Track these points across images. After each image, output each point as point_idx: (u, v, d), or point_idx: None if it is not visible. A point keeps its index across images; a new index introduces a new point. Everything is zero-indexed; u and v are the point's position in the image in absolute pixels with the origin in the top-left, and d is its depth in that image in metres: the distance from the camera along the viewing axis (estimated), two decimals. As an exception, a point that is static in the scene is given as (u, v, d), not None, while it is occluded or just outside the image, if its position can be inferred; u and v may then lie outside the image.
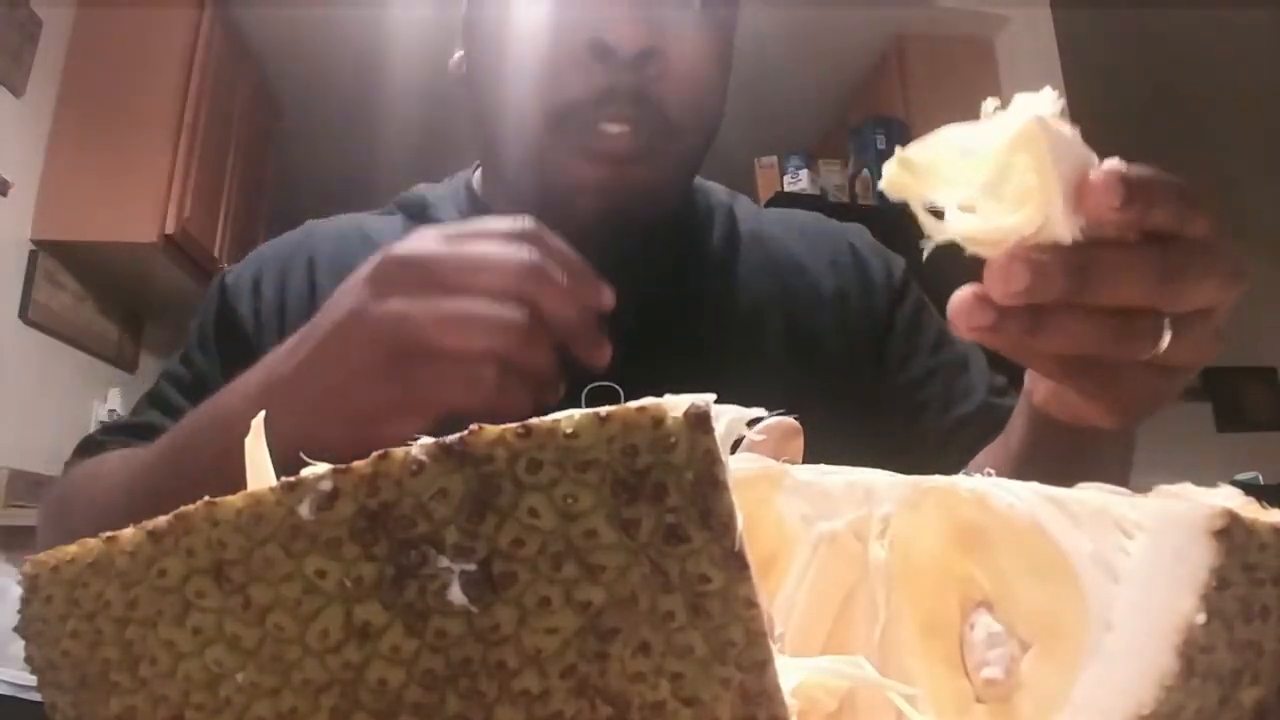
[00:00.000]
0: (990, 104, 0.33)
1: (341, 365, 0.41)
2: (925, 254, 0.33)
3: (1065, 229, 0.31)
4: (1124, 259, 0.33)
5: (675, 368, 0.61)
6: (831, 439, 0.48)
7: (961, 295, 0.33)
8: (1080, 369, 0.36)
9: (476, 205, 0.67)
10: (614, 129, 0.55)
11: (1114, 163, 0.32)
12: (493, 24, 0.59)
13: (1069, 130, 0.32)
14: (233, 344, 0.63)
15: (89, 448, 0.63)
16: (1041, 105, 0.32)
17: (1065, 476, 0.43)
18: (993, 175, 0.31)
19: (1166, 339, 0.34)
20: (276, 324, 0.63)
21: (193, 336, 0.67)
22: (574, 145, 0.56)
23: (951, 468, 0.60)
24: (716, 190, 0.73)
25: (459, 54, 0.65)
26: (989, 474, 0.26)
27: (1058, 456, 0.47)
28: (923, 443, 0.64)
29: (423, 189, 0.71)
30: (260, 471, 0.23)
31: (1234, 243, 0.36)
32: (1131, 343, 0.34)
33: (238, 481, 0.38)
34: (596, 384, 0.58)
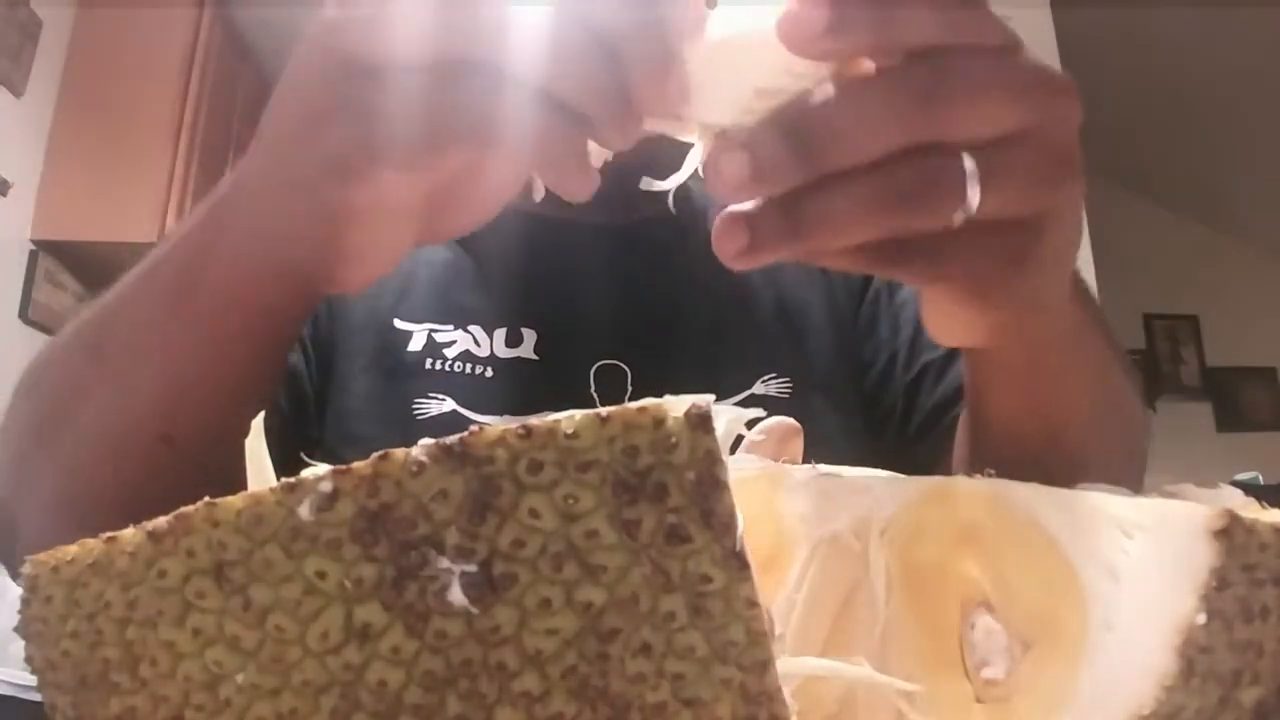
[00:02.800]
0: None
1: (290, 119, 0.31)
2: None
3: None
4: (860, 91, 0.26)
5: (675, 347, 0.61)
6: (825, 409, 0.48)
7: (714, 227, 0.28)
8: (888, 257, 0.29)
9: None
10: None
11: None
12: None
13: None
14: None
15: None
16: None
17: (1016, 404, 0.40)
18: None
19: (974, 190, 0.26)
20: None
21: None
22: None
23: (927, 421, 0.59)
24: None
25: None
26: (989, 474, 0.26)
27: (990, 384, 0.41)
28: (895, 398, 0.62)
29: None
30: (260, 471, 0.23)
31: (1031, 56, 0.28)
32: (925, 200, 0.27)
33: (190, 308, 0.35)
34: (604, 362, 0.58)
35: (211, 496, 0.19)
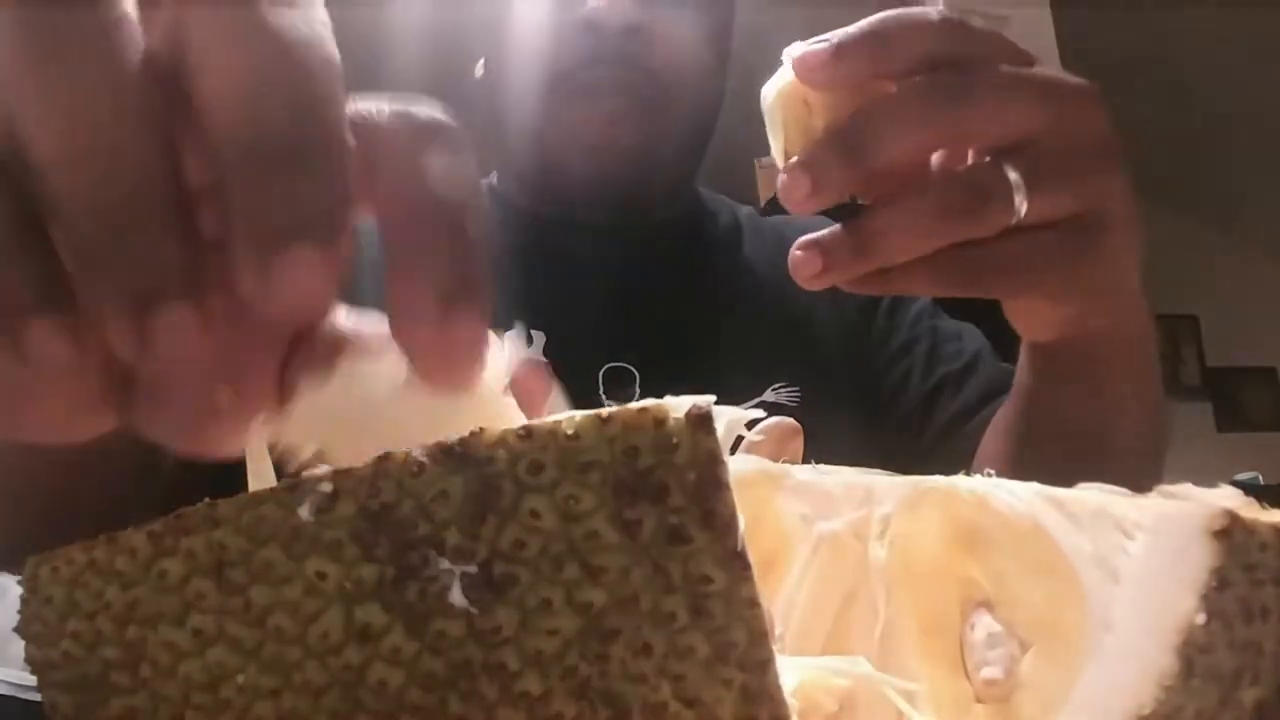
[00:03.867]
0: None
1: None
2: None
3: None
4: (891, 98, 0.29)
5: (684, 353, 0.61)
6: (835, 417, 0.48)
7: (791, 255, 0.31)
8: (954, 268, 0.31)
9: (493, 198, 0.69)
10: (602, 86, 0.58)
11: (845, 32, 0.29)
12: (500, 20, 0.62)
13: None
14: None
15: None
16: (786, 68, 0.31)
17: (1080, 400, 0.41)
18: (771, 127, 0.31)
19: (1020, 196, 0.29)
20: None
21: None
22: (567, 111, 0.59)
23: (945, 430, 0.60)
24: (722, 198, 0.75)
25: (482, 60, 0.67)
26: (989, 474, 0.26)
27: (1055, 380, 0.42)
28: (912, 409, 0.64)
29: None
30: (261, 473, 0.23)
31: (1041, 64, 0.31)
32: (976, 208, 0.29)
33: None
34: (612, 365, 0.58)
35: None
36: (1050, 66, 0.32)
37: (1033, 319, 0.37)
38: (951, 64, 0.29)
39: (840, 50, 0.29)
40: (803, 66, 0.29)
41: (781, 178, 0.30)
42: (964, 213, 0.29)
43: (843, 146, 0.29)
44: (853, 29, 0.29)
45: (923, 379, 0.63)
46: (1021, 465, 0.50)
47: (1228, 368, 4.12)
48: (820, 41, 0.29)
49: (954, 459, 0.58)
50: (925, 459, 0.60)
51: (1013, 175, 0.29)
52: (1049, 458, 0.45)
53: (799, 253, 0.30)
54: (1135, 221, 0.34)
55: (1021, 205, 0.29)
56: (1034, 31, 2.83)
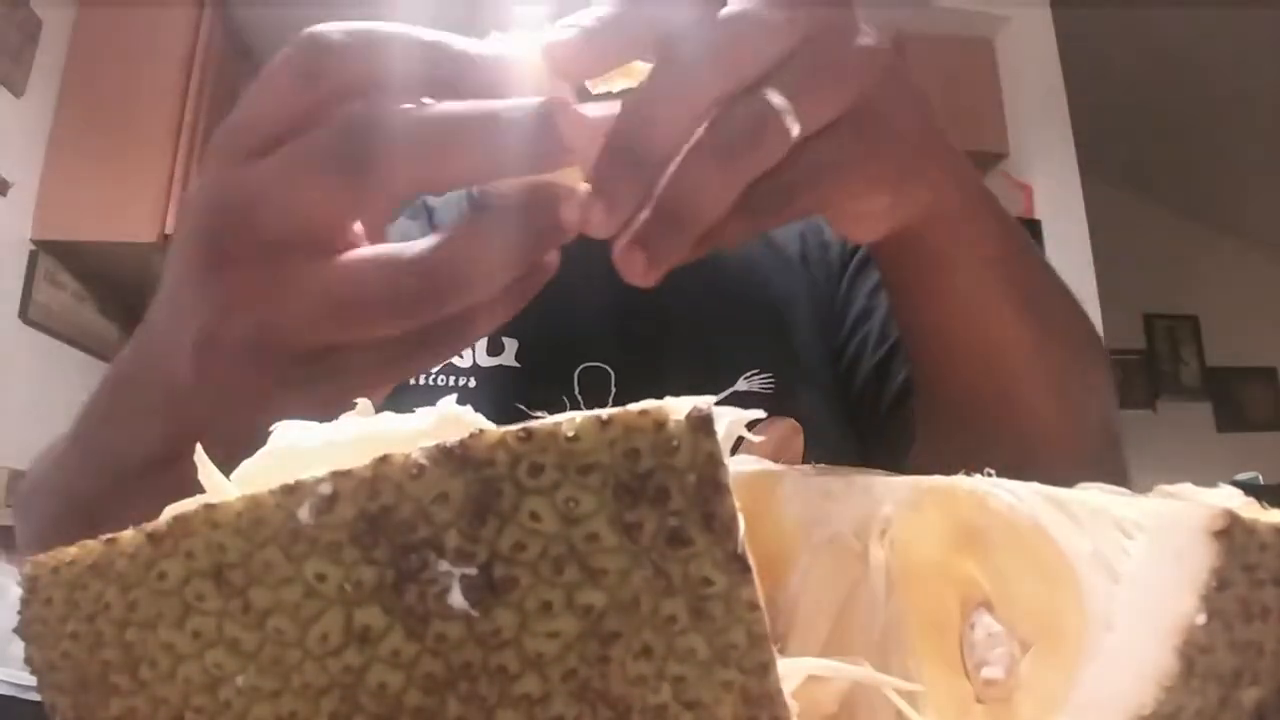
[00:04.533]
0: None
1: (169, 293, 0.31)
2: None
3: None
4: (652, 82, 0.29)
5: (657, 347, 0.61)
6: (811, 402, 0.48)
7: (615, 260, 0.30)
8: (763, 202, 0.31)
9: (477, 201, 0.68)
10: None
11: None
12: (496, 24, 0.61)
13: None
14: None
15: None
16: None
17: (951, 325, 0.41)
18: None
19: (789, 114, 0.29)
20: None
21: None
22: None
23: (897, 397, 0.59)
24: None
25: None
26: (989, 474, 0.26)
27: (912, 294, 0.42)
28: (868, 378, 0.63)
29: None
30: (217, 487, 0.22)
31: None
32: (755, 141, 0.29)
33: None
34: (588, 364, 0.58)
35: None
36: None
37: (858, 223, 0.37)
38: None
39: (589, 36, 0.28)
40: (554, 59, 0.29)
41: (578, 210, 0.29)
42: (747, 149, 0.29)
43: (623, 153, 0.28)
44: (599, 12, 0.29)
45: (876, 347, 0.62)
46: (934, 437, 0.49)
47: (1228, 368, 4.12)
48: (569, 27, 0.29)
49: (907, 426, 0.57)
50: (882, 427, 0.59)
51: (775, 99, 0.29)
52: (939, 406, 0.44)
53: (621, 256, 0.30)
54: (918, 95, 0.34)
55: (794, 124, 0.29)
56: (1034, 31, 2.84)
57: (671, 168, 0.29)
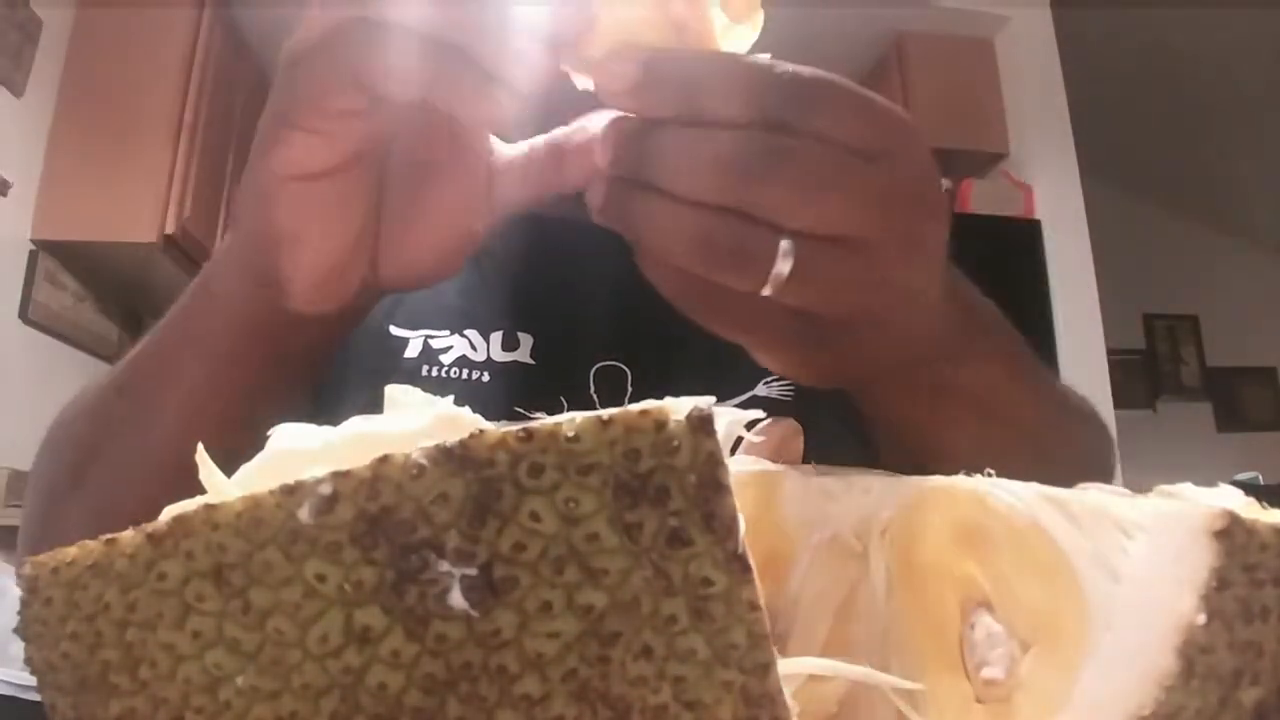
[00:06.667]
0: None
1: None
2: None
3: None
4: (694, 140, 0.27)
5: (675, 348, 0.61)
6: (828, 411, 0.48)
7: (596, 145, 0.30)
8: (694, 296, 0.30)
9: None
10: None
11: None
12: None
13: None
14: None
15: None
16: None
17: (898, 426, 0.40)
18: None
19: (785, 264, 0.27)
20: None
21: None
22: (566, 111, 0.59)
23: None
24: None
25: None
26: (989, 474, 0.26)
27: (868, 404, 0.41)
28: None
29: None
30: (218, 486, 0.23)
31: (932, 174, 0.29)
32: (730, 258, 0.27)
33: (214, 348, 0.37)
34: (604, 363, 0.58)
35: None
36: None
37: (772, 363, 0.35)
38: (785, 126, 0.26)
39: (648, 83, 0.28)
40: (600, 84, 0.29)
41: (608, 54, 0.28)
42: (717, 253, 0.27)
43: (675, 86, 0.27)
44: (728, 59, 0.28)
45: None
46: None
47: (1228, 368, 4.12)
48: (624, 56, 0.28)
49: None
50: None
51: (784, 243, 0.27)
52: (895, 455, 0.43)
53: (599, 143, 0.29)
54: (912, 332, 0.32)
55: (783, 271, 0.27)
56: (1034, 31, 2.84)
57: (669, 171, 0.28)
